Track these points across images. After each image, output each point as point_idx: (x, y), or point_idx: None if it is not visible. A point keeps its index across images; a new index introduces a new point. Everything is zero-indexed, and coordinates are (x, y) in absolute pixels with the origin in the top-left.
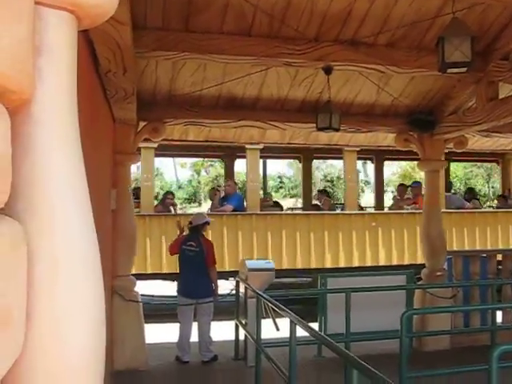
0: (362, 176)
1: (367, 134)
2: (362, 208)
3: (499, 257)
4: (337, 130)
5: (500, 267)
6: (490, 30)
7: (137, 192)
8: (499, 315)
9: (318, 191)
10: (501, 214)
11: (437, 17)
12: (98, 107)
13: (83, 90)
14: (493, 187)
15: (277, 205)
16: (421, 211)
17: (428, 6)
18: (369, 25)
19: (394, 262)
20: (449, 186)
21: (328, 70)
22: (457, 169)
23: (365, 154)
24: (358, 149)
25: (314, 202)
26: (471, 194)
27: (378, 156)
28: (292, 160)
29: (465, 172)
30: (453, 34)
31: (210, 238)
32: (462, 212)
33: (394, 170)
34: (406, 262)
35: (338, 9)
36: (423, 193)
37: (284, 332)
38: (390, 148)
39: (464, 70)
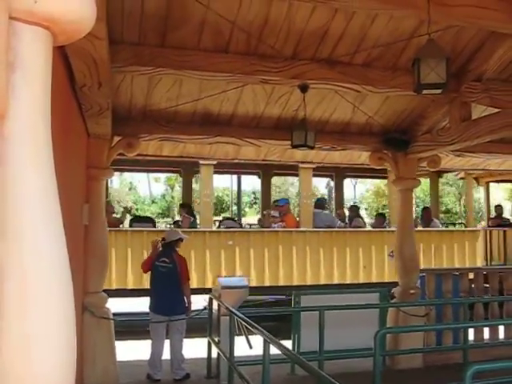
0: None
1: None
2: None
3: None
4: (312, 147)
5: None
6: (463, 52)
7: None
8: (471, 333)
9: (180, 205)
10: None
11: (412, 38)
12: (72, 121)
13: (57, 103)
14: (464, 206)
15: None
16: (390, 229)
17: (403, 27)
18: (345, 44)
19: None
20: (322, 202)
21: (304, 88)
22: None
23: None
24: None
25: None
26: (354, 212)
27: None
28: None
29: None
30: (428, 56)
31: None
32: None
33: (367, 187)
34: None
35: (315, 28)
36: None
37: (257, 350)
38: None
39: (439, 91)
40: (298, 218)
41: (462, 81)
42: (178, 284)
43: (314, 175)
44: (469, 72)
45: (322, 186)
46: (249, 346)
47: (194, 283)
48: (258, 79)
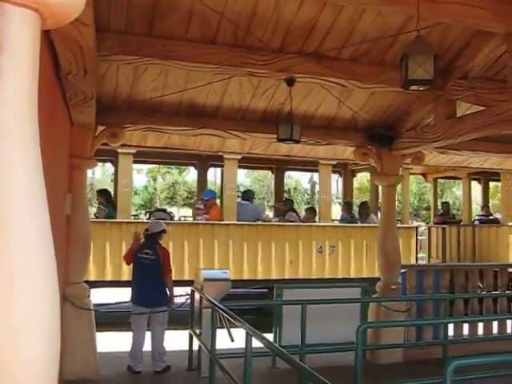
0: (318, 187)
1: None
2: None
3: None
4: (297, 141)
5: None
6: (449, 50)
7: None
8: (451, 329)
9: (97, 192)
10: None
11: (399, 34)
12: (56, 109)
13: (41, 90)
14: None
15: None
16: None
17: (391, 23)
18: (333, 38)
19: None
20: (249, 194)
21: (290, 82)
22: (410, 183)
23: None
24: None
25: None
26: (288, 206)
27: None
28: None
29: (419, 187)
30: (416, 52)
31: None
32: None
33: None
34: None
35: (303, 21)
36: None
37: (238, 343)
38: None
39: (426, 87)
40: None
41: (447, 78)
42: (161, 276)
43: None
44: (455, 70)
45: (305, 181)
46: (230, 338)
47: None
48: (244, 71)
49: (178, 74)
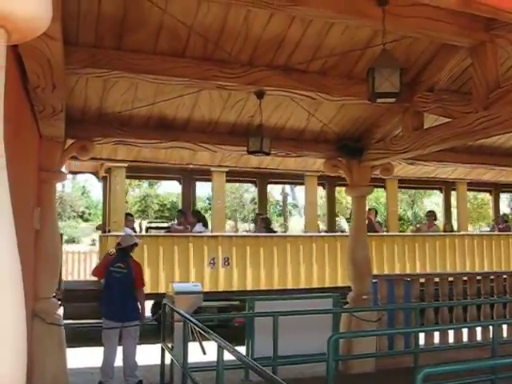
0: (289, 199)
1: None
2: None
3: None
4: (267, 153)
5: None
6: (416, 63)
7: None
8: (422, 338)
9: None
10: None
11: (367, 47)
12: (24, 122)
13: (8, 103)
14: (415, 212)
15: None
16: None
17: (359, 37)
18: (302, 52)
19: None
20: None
21: (260, 95)
22: (381, 194)
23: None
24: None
25: None
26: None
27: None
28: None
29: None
30: (383, 65)
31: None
32: None
33: (321, 194)
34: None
35: (272, 35)
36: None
37: (211, 355)
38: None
39: (393, 100)
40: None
41: (414, 91)
42: (132, 290)
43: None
44: (421, 82)
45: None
46: (202, 351)
47: None
48: (214, 84)
49: (148, 87)
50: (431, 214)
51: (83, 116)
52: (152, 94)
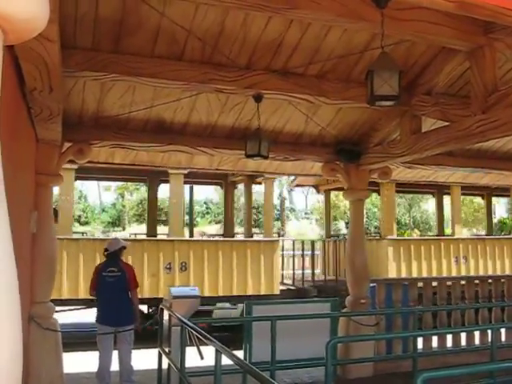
0: (287, 203)
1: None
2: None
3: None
4: (265, 157)
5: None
6: (414, 66)
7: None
8: (420, 342)
9: None
10: None
11: (365, 51)
12: (20, 125)
13: (5, 106)
14: (413, 217)
15: None
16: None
17: (357, 40)
18: (299, 55)
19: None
20: None
21: (258, 98)
22: (378, 199)
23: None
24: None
25: None
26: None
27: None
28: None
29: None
30: (382, 68)
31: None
32: None
33: (318, 198)
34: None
35: (270, 38)
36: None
37: (208, 360)
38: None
39: (392, 103)
40: None
41: (412, 94)
42: (126, 293)
43: None
44: (419, 86)
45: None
46: (200, 356)
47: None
48: (212, 88)
49: (146, 90)
50: None
51: (80, 119)
52: (149, 98)
